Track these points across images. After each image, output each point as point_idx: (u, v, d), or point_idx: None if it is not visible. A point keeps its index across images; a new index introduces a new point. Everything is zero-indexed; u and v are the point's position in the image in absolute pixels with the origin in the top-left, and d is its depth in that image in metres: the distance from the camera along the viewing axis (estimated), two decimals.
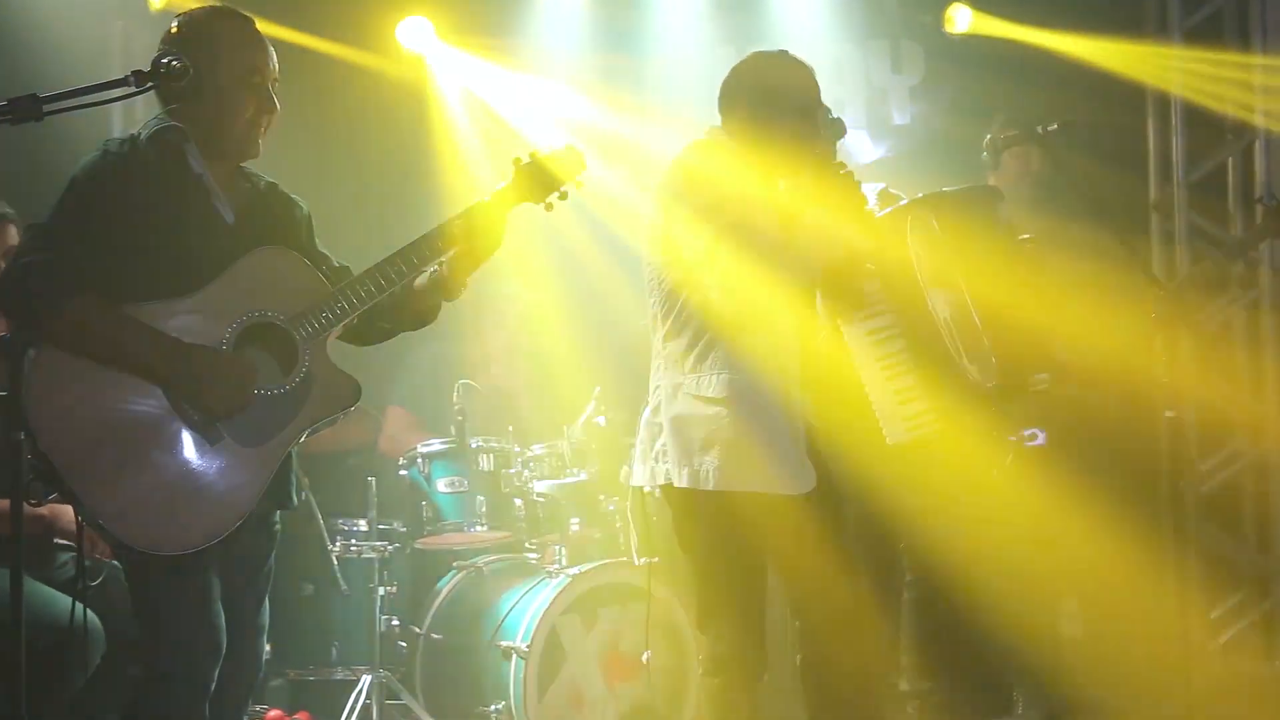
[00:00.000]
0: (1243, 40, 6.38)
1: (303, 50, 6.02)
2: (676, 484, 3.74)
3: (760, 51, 3.97)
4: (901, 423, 4.45)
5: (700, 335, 3.73)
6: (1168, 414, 4.48)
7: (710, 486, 3.68)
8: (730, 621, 3.74)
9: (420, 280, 3.49)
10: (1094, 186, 4.60)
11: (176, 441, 3.18)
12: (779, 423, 3.67)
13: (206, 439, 3.19)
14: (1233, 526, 6.32)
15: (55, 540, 4.11)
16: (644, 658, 4.40)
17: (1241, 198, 6.38)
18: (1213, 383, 6.29)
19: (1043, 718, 5.46)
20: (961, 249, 4.27)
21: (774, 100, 3.82)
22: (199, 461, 3.19)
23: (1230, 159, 6.41)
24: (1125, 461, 5.67)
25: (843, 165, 3.79)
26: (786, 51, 3.96)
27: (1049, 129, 4.54)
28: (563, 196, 3.63)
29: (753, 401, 3.66)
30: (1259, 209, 4.98)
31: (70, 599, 3.75)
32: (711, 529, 3.74)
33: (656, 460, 3.80)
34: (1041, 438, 5.32)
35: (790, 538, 3.76)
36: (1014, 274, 4.39)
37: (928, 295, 4.35)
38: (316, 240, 3.59)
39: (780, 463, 3.66)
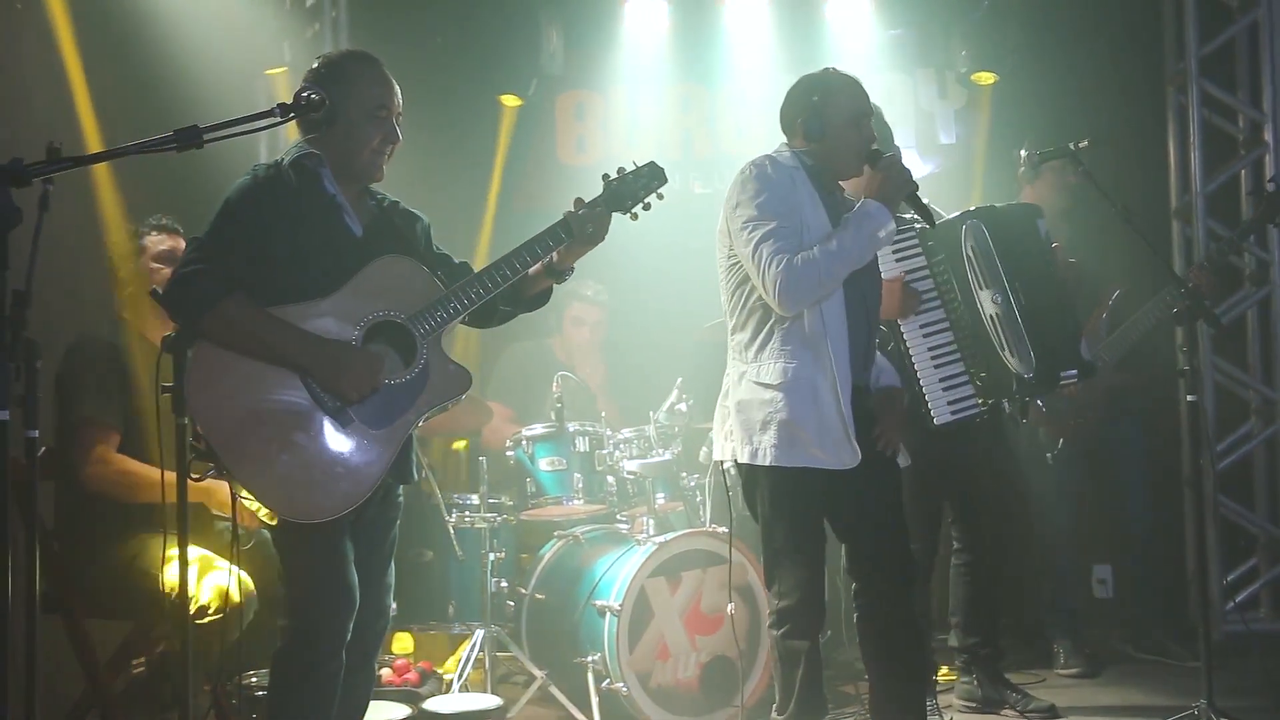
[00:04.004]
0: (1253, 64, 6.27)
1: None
2: (741, 460, 3.75)
3: (808, 74, 3.88)
4: (947, 405, 4.43)
5: (761, 327, 3.71)
6: (1189, 399, 4.39)
7: (767, 462, 3.67)
8: (790, 580, 3.71)
9: (534, 268, 3.51)
10: (1121, 196, 4.51)
11: (314, 424, 3.21)
12: (827, 405, 3.63)
13: (340, 422, 3.22)
14: (1246, 499, 6.23)
15: (213, 512, 4.17)
16: (728, 610, 4.39)
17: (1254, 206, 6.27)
18: (1229, 371, 6.21)
19: (1080, 668, 5.41)
20: (1008, 255, 4.24)
21: (824, 113, 3.77)
22: (333, 442, 3.21)
23: (1243, 171, 6.29)
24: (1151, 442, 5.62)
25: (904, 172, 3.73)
26: (833, 69, 3.88)
27: (1080, 145, 4.47)
28: (646, 207, 3.65)
29: (804, 386, 3.64)
30: (1265, 195, 4.86)
31: (226, 561, 3.83)
32: (771, 498, 3.73)
33: (727, 439, 3.80)
34: None
35: (838, 505, 3.76)
36: (1052, 280, 4.36)
37: (977, 295, 4.31)
38: (436, 245, 3.60)
39: (827, 442, 3.62)
